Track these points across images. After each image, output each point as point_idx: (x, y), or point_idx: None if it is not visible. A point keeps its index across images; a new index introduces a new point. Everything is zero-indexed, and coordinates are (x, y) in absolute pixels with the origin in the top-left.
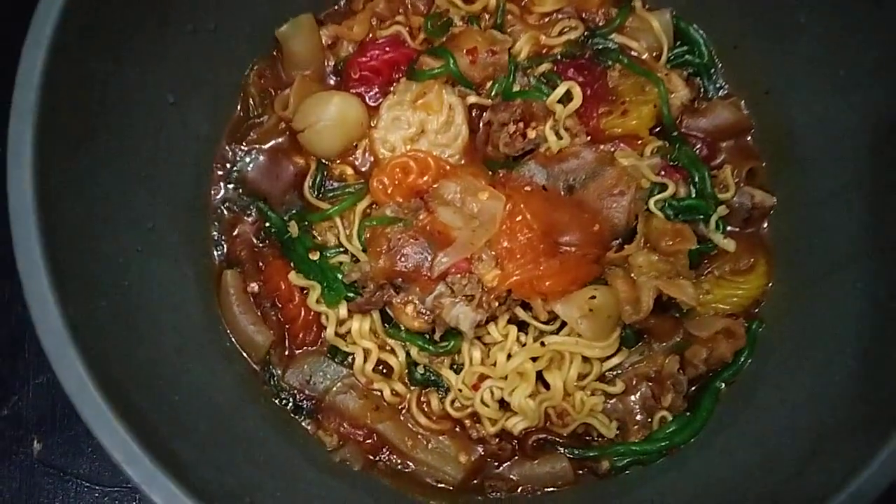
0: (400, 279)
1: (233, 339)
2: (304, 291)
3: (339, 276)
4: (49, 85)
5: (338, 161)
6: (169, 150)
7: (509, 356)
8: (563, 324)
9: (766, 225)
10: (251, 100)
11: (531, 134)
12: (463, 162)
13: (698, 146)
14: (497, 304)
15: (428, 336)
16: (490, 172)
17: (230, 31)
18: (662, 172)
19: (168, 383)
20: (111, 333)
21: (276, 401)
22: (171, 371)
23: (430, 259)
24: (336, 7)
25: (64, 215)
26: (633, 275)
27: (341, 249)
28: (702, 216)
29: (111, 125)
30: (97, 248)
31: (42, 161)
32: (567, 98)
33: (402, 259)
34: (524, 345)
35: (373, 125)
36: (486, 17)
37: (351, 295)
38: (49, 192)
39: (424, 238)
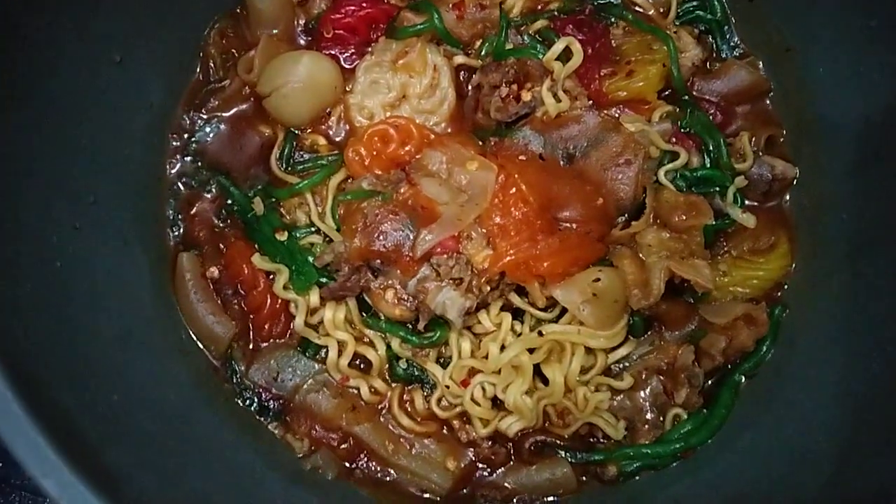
0: (378, 261)
1: (189, 331)
2: (271, 276)
3: (310, 259)
4: None
5: (308, 130)
6: (115, 117)
7: (503, 347)
8: (564, 311)
9: (787, 199)
10: (211, 62)
11: (526, 96)
12: (450, 130)
13: (712, 111)
14: (489, 288)
15: (411, 326)
16: (480, 142)
17: None
18: (673, 140)
19: (106, 381)
20: (34, 320)
21: (239, 401)
22: (110, 366)
23: (412, 237)
24: None
25: None
26: (641, 254)
27: (313, 229)
28: (717, 188)
29: (44, 85)
30: (22, 221)
31: None
32: (566, 56)
33: (381, 237)
34: (520, 335)
35: (348, 89)
36: None
37: (324, 280)
38: None
39: (406, 213)
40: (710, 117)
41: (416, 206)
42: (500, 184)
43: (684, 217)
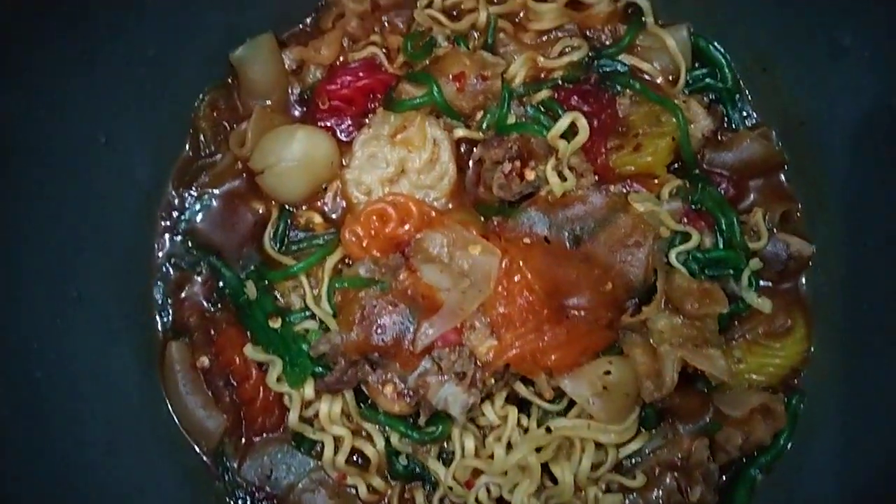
0: (377, 354)
1: (179, 426)
2: (264, 367)
3: (305, 348)
4: None
5: (304, 207)
6: (101, 201)
7: (509, 445)
8: (572, 402)
9: (803, 280)
10: (202, 136)
11: (530, 175)
12: (450, 206)
13: (724, 185)
14: (493, 381)
15: (411, 420)
16: (482, 219)
17: (175, 56)
18: (685, 219)
19: (92, 491)
20: (11, 435)
21: (231, 501)
22: (95, 477)
23: (412, 330)
24: (301, 26)
25: None
26: (652, 340)
27: (307, 314)
28: (732, 270)
29: (24, 173)
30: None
31: None
32: (571, 132)
33: (380, 331)
34: (526, 429)
35: (345, 164)
36: (476, 35)
37: (319, 370)
38: None
39: (405, 304)
40: (723, 192)
41: (416, 296)
42: (504, 269)
43: (697, 305)
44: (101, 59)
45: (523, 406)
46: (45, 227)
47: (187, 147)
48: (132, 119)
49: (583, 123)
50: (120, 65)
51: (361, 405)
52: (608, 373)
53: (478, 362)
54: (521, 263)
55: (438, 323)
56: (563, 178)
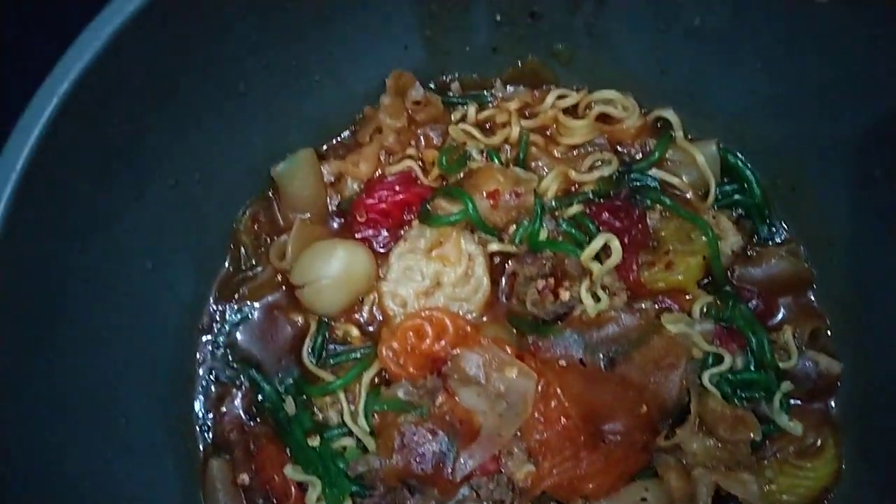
0: (415, 480)
1: None
2: (303, 486)
3: (343, 467)
4: None
5: (341, 319)
6: (146, 321)
7: None
8: None
9: (833, 399)
10: (243, 249)
11: (564, 295)
12: (484, 319)
13: (753, 301)
14: None
15: None
16: (514, 331)
17: (218, 176)
18: (717, 340)
19: None
20: None
21: None
22: None
23: (451, 458)
24: (339, 139)
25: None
26: (685, 462)
27: (344, 430)
28: (763, 392)
29: (73, 304)
30: (50, 475)
31: None
32: (604, 252)
33: (419, 460)
34: None
35: (381, 276)
36: (508, 149)
37: (355, 489)
38: None
39: (444, 431)
40: (752, 308)
41: (455, 421)
42: (540, 394)
43: (730, 431)
44: (150, 190)
45: None
46: (91, 354)
47: (228, 261)
48: (178, 241)
49: (616, 245)
50: (168, 194)
51: None
52: (644, 499)
53: (515, 489)
54: (556, 389)
55: (477, 452)
56: (596, 299)
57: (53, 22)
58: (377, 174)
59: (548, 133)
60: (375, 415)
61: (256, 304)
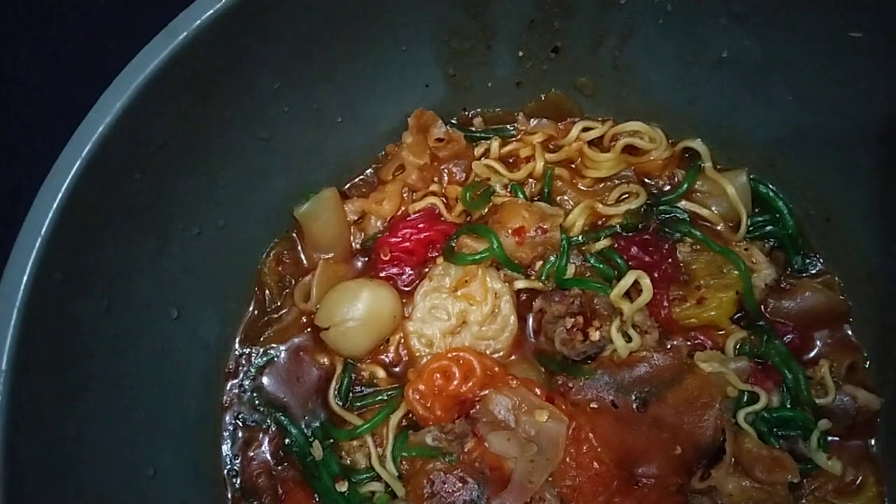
0: None
1: None
2: None
3: None
4: (23, 343)
5: (367, 360)
6: (172, 370)
7: None
8: None
9: (873, 438)
10: (267, 291)
11: (594, 335)
12: (512, 358)
13: (788, 335)
14: None
15: None
16: (543, 370)
17: (242, 222)
18: (752, 379)
19: None
20: None
21: None
22: None
23: None
24: (362, 177)
25: None
26: (720, 502)
27: (373, 475)
28: (800, 431)
29: (102, 372)
30: None
31: (9, 446)
32: (634, 288)
33: None
34: None
35: (407, 315)
36: (532, 182)
37: None
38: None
39: (474, 479)
40: (787, 342)
41: (484, 468)
42: (572, 437)
43: (768, 473)
44: (173, 240)
45: None
46: (118, 408)
47: (252, 304)
48: (202, 288)
49: (646, 283)
50: (193, 242)
51: None
52: None
53: None
54: (588, 433)
55: (508, 500)
56: (627, 339)
57: (76, 80)
58: (400, 212)
59: (573, 166)
60: (404, 461)
61: (282, 347)
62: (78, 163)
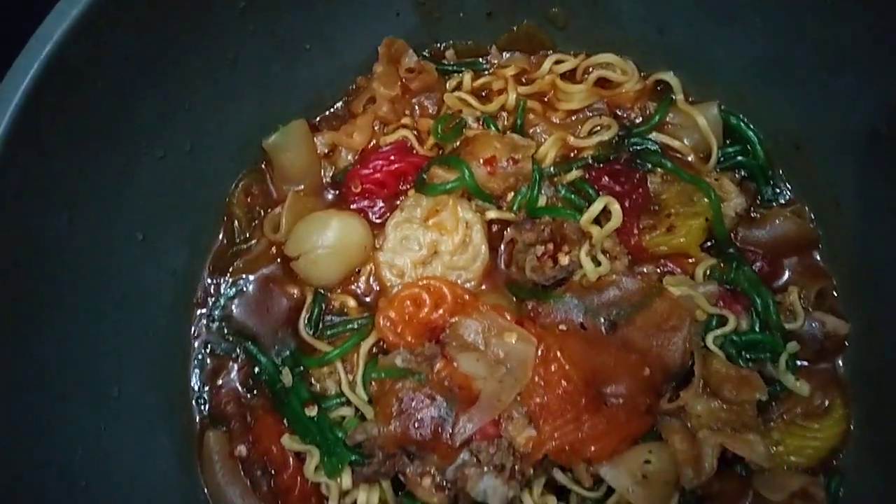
0: (414, 446)
1: None
2: (301, 456)
3: (341, 436)
4: None
5: (338, 290)
6: (139, 294)
7: None
8: (611, 488)
9: (840, 360)
10: (236, 222)
11: (563, 260)
12: (483, 287)
13: (758, 263)
14: (532, 470)
15: None
16: (514, 298)
17: (209, 149)
18: (720, 302)
19: None
20: None
21: None
22: None
23: (450, 423)
24: (332, 110)
25: None
26: (690, 424)
27: (343, 400)
28: (769, 353)
29: (65, 278)
30: (45, 441)
31: None
32: (604, 216)
33: (418, 425)
34: None
35: (378, 246)
36: (505, 116)
37: (355, 458)
38: None
39: (443, 396)
40: (757, 270)
41: (453, 386)
42: (541, 358)
43: (735, 392)
44: (138, 161)
45: (562, 494)
46: (85, 330)
47: (221, 234)
48: (168, 213)
49: (616, 208)
50: (158, 165)
51: (399, 493)
52: (648, 461)
53: (517, 453)
54: (557, 353)
55: (477, 416)
56: (597, 263)
57: None
58: (371, 144)
59: (545, 99)
60: (373, 383)
61: (251, 277)
62: (36, 65)
